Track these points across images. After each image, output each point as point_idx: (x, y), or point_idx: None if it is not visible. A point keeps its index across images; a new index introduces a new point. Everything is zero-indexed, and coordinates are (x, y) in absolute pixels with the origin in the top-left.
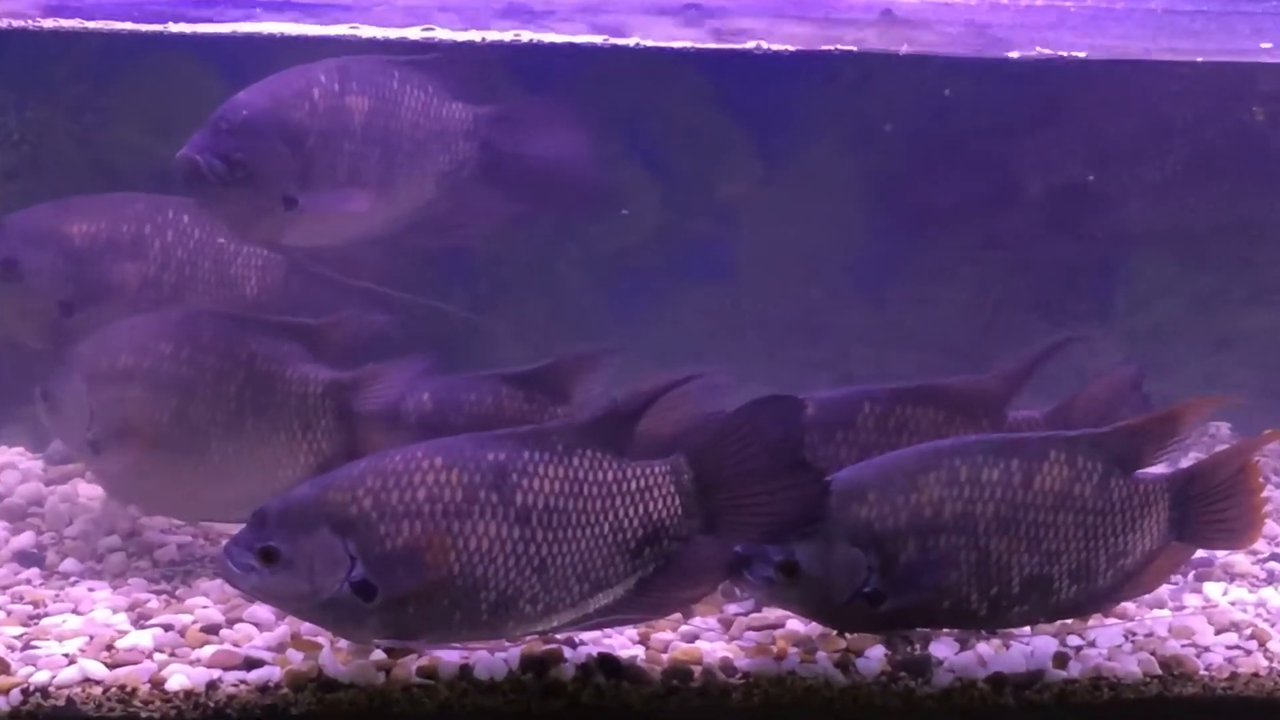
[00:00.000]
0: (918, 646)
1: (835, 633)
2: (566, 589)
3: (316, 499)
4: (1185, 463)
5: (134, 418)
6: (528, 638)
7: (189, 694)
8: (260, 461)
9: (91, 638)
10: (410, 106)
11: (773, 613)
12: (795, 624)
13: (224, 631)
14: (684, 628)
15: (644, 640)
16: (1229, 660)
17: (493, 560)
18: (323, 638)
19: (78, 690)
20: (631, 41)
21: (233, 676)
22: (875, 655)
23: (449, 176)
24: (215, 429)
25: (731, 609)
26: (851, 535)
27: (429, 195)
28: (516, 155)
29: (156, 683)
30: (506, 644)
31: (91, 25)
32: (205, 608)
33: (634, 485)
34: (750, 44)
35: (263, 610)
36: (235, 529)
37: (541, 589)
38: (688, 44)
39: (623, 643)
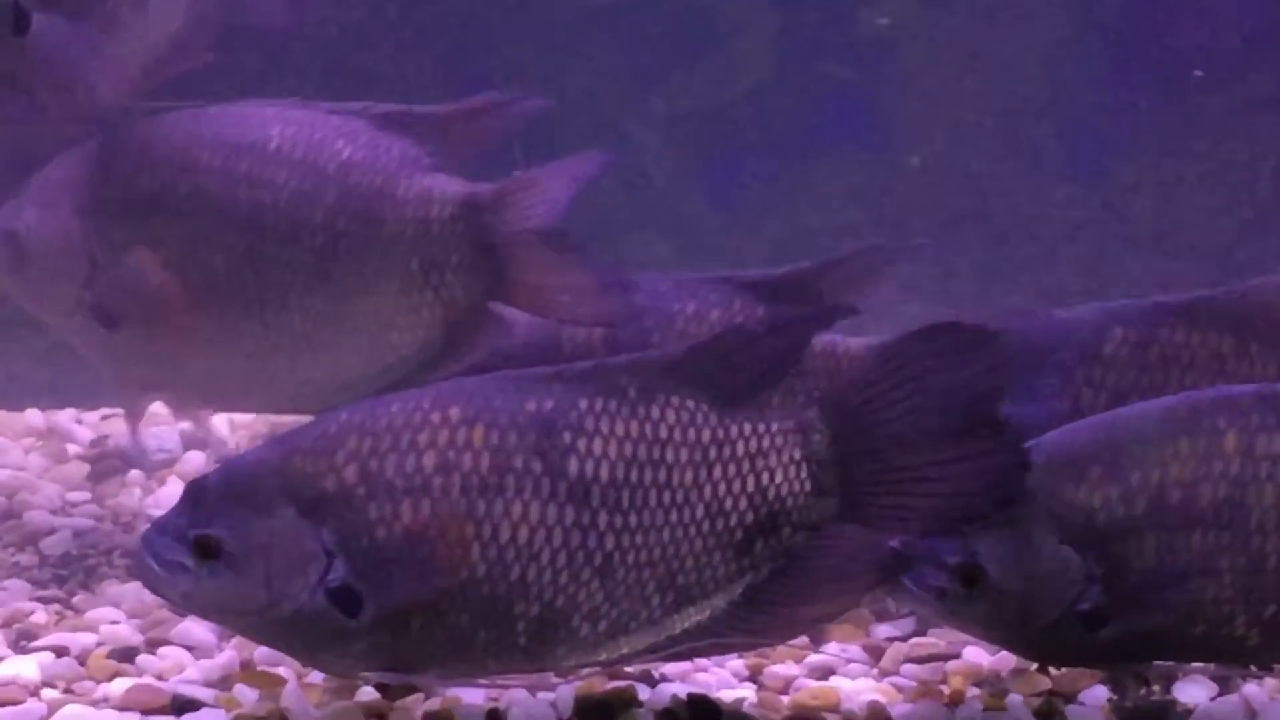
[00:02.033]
0: (1156, 689)
1: (1035, 667)
2: (641, 600)
3: (276, 466)
4: None
5: (163, 267)
6: (584, 671)
7: None
8: (358, 322)
9: None
10: None
11: (945, 636)
12: (976, 654)
13: (142, 659)
14: (814, 658)
15: (755, 675)
16: None
17: (534, 557)
18: (286, 668)
19: None
20: None
21: None
22: (1094, 700)
23: None
24: (289, 276)
25: (883, 631)
26: (1063, 529)
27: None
28: None
29: None
30: (554, 679)
31: None
32: (114, 624)
33: (742, 449)
34: None
35: (199, 628)
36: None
37: (605, 600)
38: None
39: (725, 678)
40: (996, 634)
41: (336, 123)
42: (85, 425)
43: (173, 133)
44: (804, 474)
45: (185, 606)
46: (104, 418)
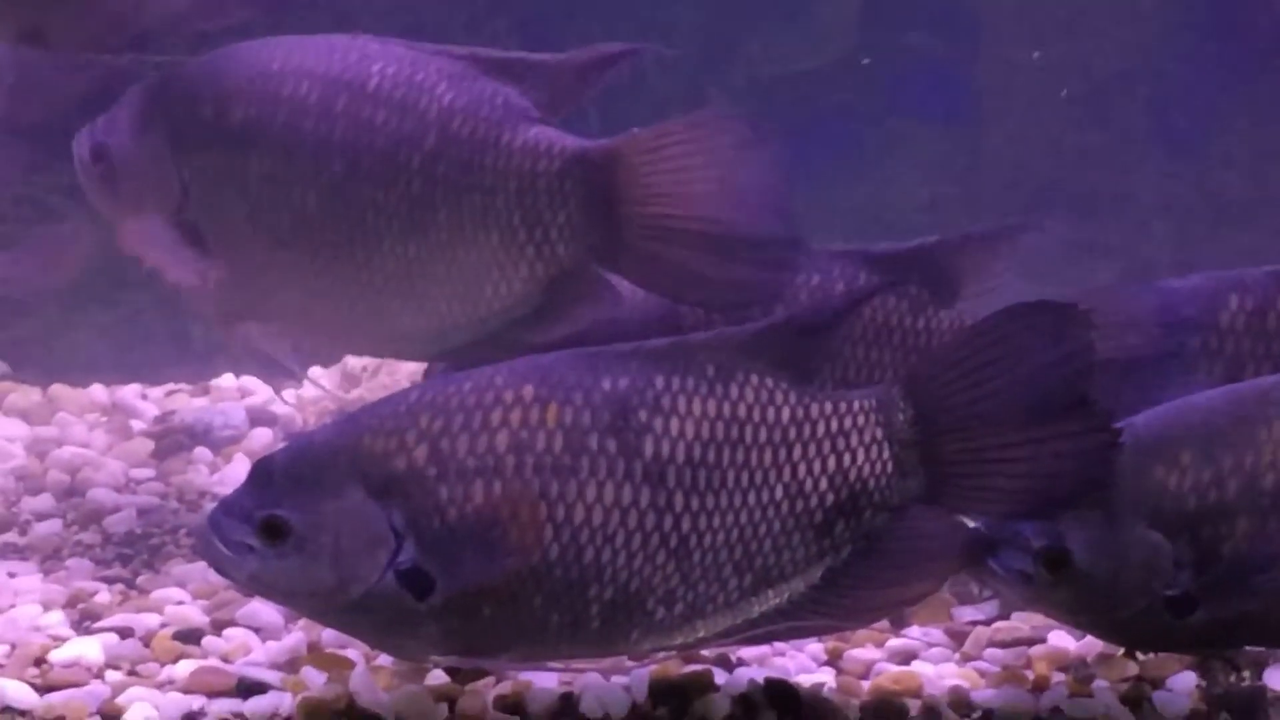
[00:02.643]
0: (1246, 675)
1: (1122, 652)
2: (719, 582)
3: (345, 446)
4: None
5: (258, 196)
6: (660, 654)
7: None
8: (452, 273)
9: (13, 646)
10: None
11: (1029, 621)
12: (1062, 638)
13: (207, 640)
14: (894, 642)
15: (835, 660)
16: None
17: (609, 539)
18: (354, 650)
19: None
20: None
21: (221, 707)
22: (1182, 687)
23: None
24: (383, 220)
25: (966, 615)
26: (1152, 513)
27: None
28: None
29: (108, 715)
30: (629, 663)
31: None
32: (180, 604)
33: (823, 428)
34: None
35: (265, 609)
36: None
37: (681, 582)
38: None
39: (804, 663)
40: (1082, 619)
41: (441, 65)
42: (150, 401)
43: (270, 60)
44: (886, 454)
45: (251, 588)
46: (169, 393)
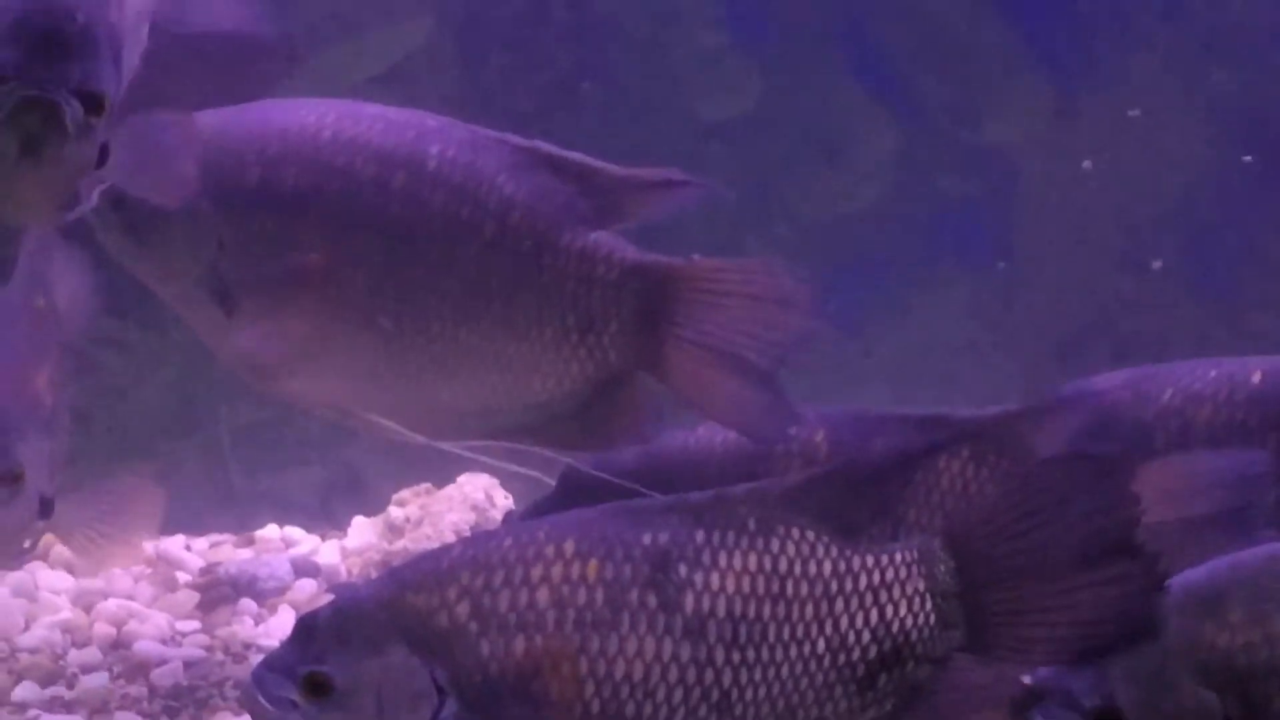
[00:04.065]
0: None
1: None
2: None
3: (387, 602)
4: None
5: (301, 262)
6: None
7: None
8: (507, 361)
9: None
10: None
11: None
12: None
13: None
14: None
15: None
16: None
17: (650, 694)
18: None
19: None
20: None
21: None
22: None
23: None
24: (434, 303)
25: None
26: (1202, 671)
27: None
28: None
29: None
30: None
31: None
32: None
33: (865, 581)
34: None
35: None
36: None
37: None
38: None
39: None
40: None
41: (501, 153)
42: (194, 552)
43: (322, 127)
44: (929, 606)
45: None
46: (213, 545)
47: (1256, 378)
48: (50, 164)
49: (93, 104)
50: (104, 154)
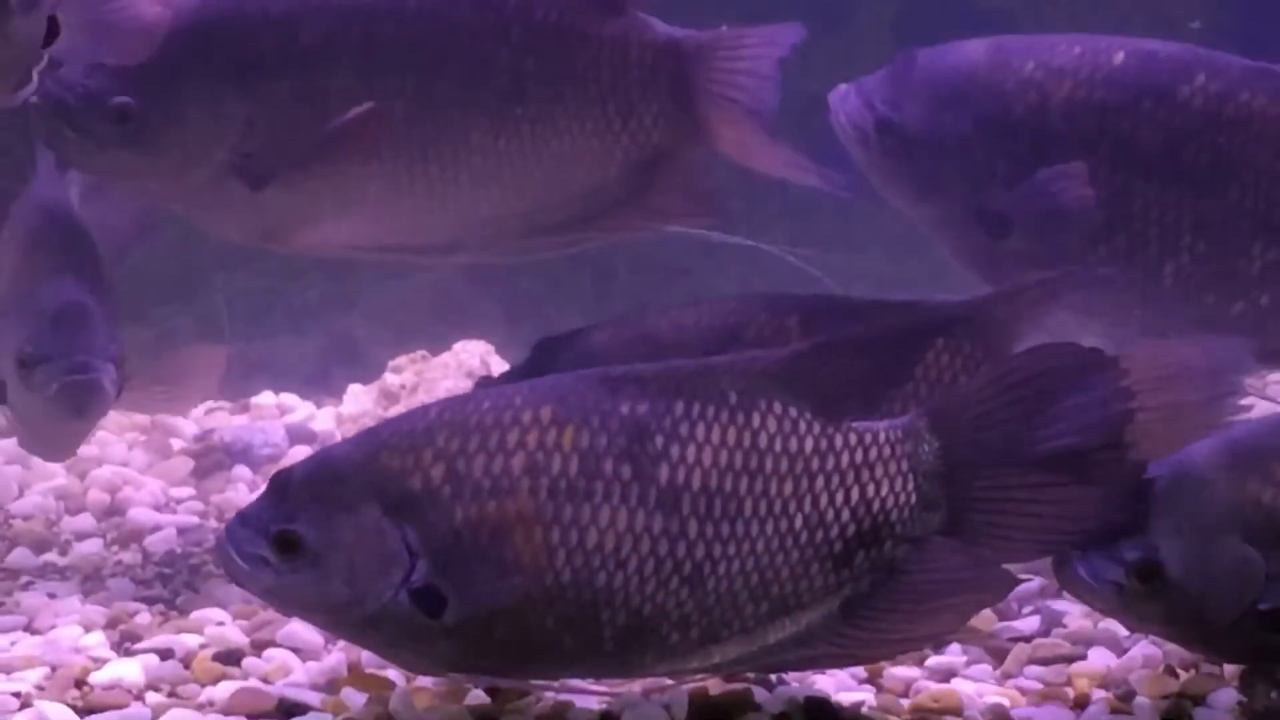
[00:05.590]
0: None
1: (1163, 670)
2: (734, 609)
3: (362, 462)
4: None
5: (343, 122)
6: (669, 681)
7: None
8: (549, 161)
9: (54, 669)
10: None
11: (1069, 638)
12: (1102, 655)
13: (248, 661)
14: (935, 659)
15: (875, 678)
16: None
17: (622, 563)
18: (394, 671)
19: None
20: None
21: None
22: (1223, 703)
23: None
24: (475, 118)
25: (1007, 631)
26: (1246, 527)
27: None
28: None
29: None
30: (668, 682)
31: None
32: (220, 625)
33: (845, 458)
34: None
35: (305, 630)
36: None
37: (695, 608)
38: None
39: (843, 680)
40: (1173, 632)
41: None
42: (189, 419)
43: None
44: (910, 486)
45: (268, 601)
46: (208, 411)
47: (1119, 58)
48: None
49: None
50: (54, 26)
